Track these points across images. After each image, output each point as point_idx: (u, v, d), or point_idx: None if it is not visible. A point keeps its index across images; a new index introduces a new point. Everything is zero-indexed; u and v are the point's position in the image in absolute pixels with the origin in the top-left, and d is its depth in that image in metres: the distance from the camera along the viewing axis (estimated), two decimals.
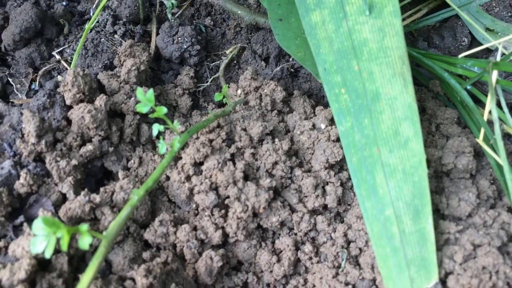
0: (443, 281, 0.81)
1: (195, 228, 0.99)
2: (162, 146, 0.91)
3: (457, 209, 0.88)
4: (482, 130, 0.90)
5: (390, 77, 0.90)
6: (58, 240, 0.71)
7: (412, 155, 0.85)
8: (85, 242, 0.70)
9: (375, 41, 0.92)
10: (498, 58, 0.89)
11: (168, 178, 1.07)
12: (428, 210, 0.82)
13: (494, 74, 0.83)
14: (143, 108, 0.91)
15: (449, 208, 0.89)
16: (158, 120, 1.11)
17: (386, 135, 0.88)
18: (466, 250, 0.81)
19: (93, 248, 0.91)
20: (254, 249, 1.01)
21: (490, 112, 0.94)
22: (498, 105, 0.94)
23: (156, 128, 0.94)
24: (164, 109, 0.90)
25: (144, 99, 0.90)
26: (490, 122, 0.98)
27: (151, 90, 0.90)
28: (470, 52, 0.98)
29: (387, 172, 0.87)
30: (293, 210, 1.04)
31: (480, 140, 0.90)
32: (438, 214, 0.90)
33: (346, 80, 0.94)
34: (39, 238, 0.70)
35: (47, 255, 0.68)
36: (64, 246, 0.68)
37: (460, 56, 0.97)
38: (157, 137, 1.11)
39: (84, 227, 0.70)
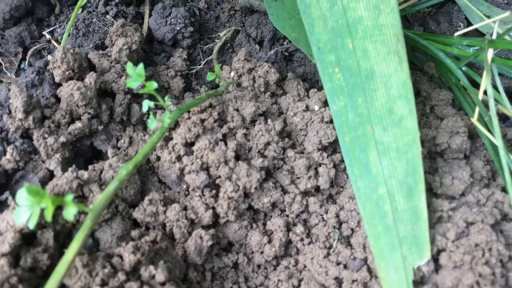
0: (435, 258, 0.80)
1: (185, 208, 0.98)
2: (152, 122, 0.89)
3: (450, 187, 0.87)
4: (477, 109, 0.89)
5: (385, 54, 0.88)
6: (42, 212, 0.69)
7: (406, 133, 0.84)
8: (70, 212, 0.68)
9: (370, 18, 0.91)
10: (494, 36, 0.88)
11: (158, 158, 1.05)
12: (421, 187, 0.81)
13: (490, 52, 0.82)
14: (133, 83, 0.89)
15: (442, 187, 0.88)
16: (149, 97, 1.09)
17: (380, 113, 0.87)
18: (459, 228, 0.80)
19: (80, 226, 0.89)
20: (245, 230, 1.00)
21: (485, 92, 0.93)
22: (494, 87, 0.93)
23: (147, 104, 0.92)
24: (154, 84, 0.88)
25: (134, 74, 0.88)
26: (485, 104, 0.97)
27: (141, 65, 0.88)
28: (466, 31, 0.96)
29: (381, 151, 0.85)
30: (285, 192, 1.02)
31: (474, 120, 0.89)
32: (431, 194, 0.89)
33: (340, 59, 0.93)
34: (23, 209, 0.68)
35: (31, 225, 0.66)
36: (49, 217, 0.67)
37: (456, 34, 0.95)
38: (148, 113, 1.09)
39: (69, 197, 0.69)
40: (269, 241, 0.98)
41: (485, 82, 0.81)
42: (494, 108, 0.78)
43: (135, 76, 0.89)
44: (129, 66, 0.88)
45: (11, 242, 0.75)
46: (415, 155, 0.82)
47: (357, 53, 0.91)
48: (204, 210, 0.97)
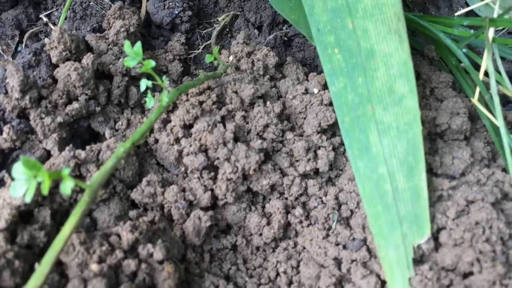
0: (435, 237, 0.80)
1: (183, 190, 0.97)
2: (150, 100, 0.88)
3: (450, 167, 0.87)
4: (477, 89, 0.88)
5: (385, 34, 0.88)
6: (39, 189, 0.68)
7: (406, 112, 0.84)
8: (67, 186, 0.67)
9: None
10: (495, 15, 0.88)
11: (156, 141, 1.04)
12: (422, 166, 0.80)
13: (491, 31, 0.81)
14: (130, 62, 0.88)
15: (443, 166, 0.87)
16: (149, 78, 1.08)
17: (381, 92, 0.86)
18: (459, 206, 0.79)
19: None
20: (243, 212, 0.99)
21: (485, 74, 0.93)
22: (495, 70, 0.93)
23: (144, 83, 0.91)
24: (152, 62, 0.87)
25: (132, 52, 0.88)
26: (485, 86, 0.96)
27: (138, 43, 0.87)
28: (465, 11, 0.96)
29: (381, 130, 0.85)
30: (284, 174, 1.02)
31: (475, 100, 0.89)
32: (431, 174, 0.89)
33: (339, 40, 0.92)
34: (19, 182, 0.67)
35: (28, 199, 0.66)
36: (45, 190, 0.66)
37: (457, 14, 0.95)
38: (145, 93, 1.08)
39: (66, 171, 0.68)
40: (268, 223, 0.98)
41: (486, 61, 0.81)
42: (495, 86, 0.77)
43: (132, 54, 0.88)
44: (127, 44, 0.87)
45: (7, 218, 0.74)
46: (416, 134, 0.82)
47: (357, 32, 0.90)
48: (203, 192, 0.96)
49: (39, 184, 0.67)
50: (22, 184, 0.67)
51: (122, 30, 1.11)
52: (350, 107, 0.88)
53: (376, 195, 0.83)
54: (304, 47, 1.30)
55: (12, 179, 0.86)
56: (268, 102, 1.06)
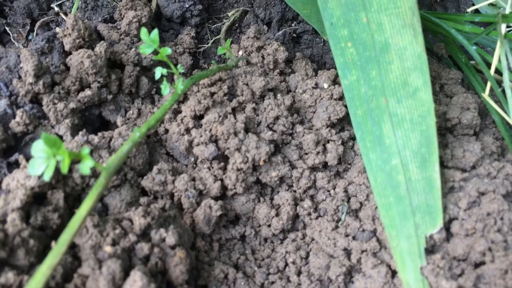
0: (446, 227, 0.81)
1: (193, 179, 0.97)
2: (165, 88, 0.89)
3: (461, 160, 0.88)
4: (488, 84, 0.90)
5: (400, 27, 0.89)
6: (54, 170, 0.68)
7: (420, 105, 0.85)
8: (86, 165, 0.67)
9: None
10: (507, 11, 0.89)
11: (166, 131, 1.05)
12: (435, 157, 0.81)
13: (503, 27, 0.83)
14: (146, 50, 0.88)
15: (453, 159, 0.88)
16: (160, 65, 1.09)
17: (395, 85, 0.87)
18: (471, 197, 0.80)
19: (90, 189, 0.88)
20: (252, 203, 0.99)
21: (496, 70, 0.94)
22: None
23: (159, 71, 0.91)
24: (168, 50, 0.88)
25: (148, 39, 0.88)
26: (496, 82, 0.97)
27: (155, 31, 0.88)
28: (476, 7, 0.98)
29: (395, 122, 0.86)
30: (293, 167, 1.02)
31: (486, 95, 0.90)
32: (442, 166, 0.89)
33: (353, 33, 0.93)
34: (39, 160, 0.67)
35: (46, 177, 0.66)
36: (65, 169, 0.66)
37: (469, 10, 0.97)
38: (159, 81, 1.09)
39: (86, 150, 0.68)
40: (277, 215, 0.98)
41: (498, 56, 0.82)
42: (508, 80, 0.79)
43: (148, 42, 0.88)
44: (143, 31, 0.88)
45: (22, 198, 0.74)
46: (430, 126, 0.83)
47: (371, 26, 0.91)
48: (213, 181, 0.96)
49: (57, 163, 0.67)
50: (42, 162, 0.67)
51: (134, 21, 1.12)
52: (363, 100, 0.89)
53: (388, 186, 0.84)
54: (312, 44, 1.31)
55: (28, 159, 0.86)
56: (278, 95, 1.06)
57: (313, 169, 1.03)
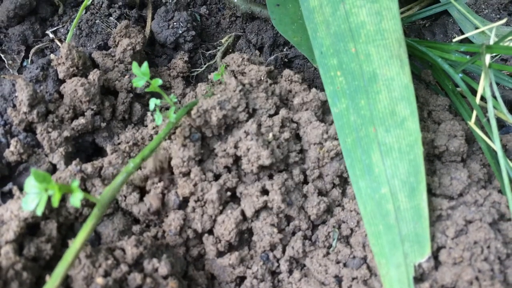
0: (435, 255, 0.82)
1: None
2: (158, 118, 0.90)
3: (449, 187, 0.89)
4: (474, 113, 0.92)
5: (387, 58, 0.91)
6: (49, 200, 0.70)
7: (408, 134, 0.86)
8: (76, 198, 0.68)
9: (373, 24, 0.93)
10: (491, 43, 0.92)
11: None
12: (423, 187, 0.83)
13: (487, 57, 0.85)
14: (139, 82, 0.90)
15: (441, 187, 0.90)
16: (154, 95, 1.10)
17: (383, 115, 0.89)
18: (458, 226, 0.82)
19: (83, 219, 0.89)
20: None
21: (481, 98, 0.96)
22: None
23: (153, 102, 0.93)
24: (159, 81, 0.89)
25: (140, 73, 0.90)
26: (481, 110, 1.00)
27: (145, 63, 0.89)
28: (461, 38, 1.00)
29: (383, 151, 0.87)
30: None
31: (472, 123, 0.92)
32: (430, 194, 0.91)
33: (342, 63, 0.95)
34: (31, 196, 0.68)
35: (39, 212, 0.67)
36: (56, 203, 0.67)
37: (454, 40, 0.99)
38: (153, 111, 1.10)
39: (75, 183, 0.69)
40: None
41: (482, 86, 0.84)
42: (492, 109, 0.81)
43: (140, 75, 0.90)
44: (135, 65, 0.89)
45: (15, 230, 0.75)
46: (417, 155, 0.85)
47: (360, 57, 0.93)
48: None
49: (49, 197, 0.68)
50: (34, 197, 0.68)
51: (129, 49, 1.13)
52: (353, 128, 0.91)
53: (377, 214, 0.85)
54: (303, 68, 1.33)
55: (21, 188, 0.87)
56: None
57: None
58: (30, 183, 0.68)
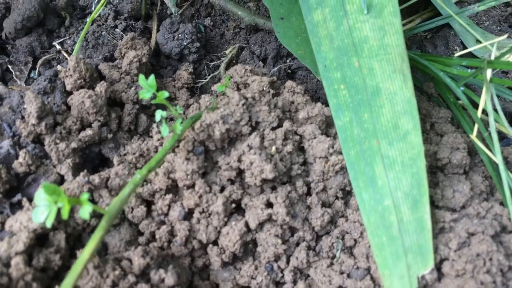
0: (437, 267, 0.83)
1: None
2: (164, 129, 0.92)
3: (451, 200, 0.91)
4: (476, 126, 0.93)
5: (390, 73, 0.92)
6: (58, 211, 0.71)
7: (411, 147, 0.88)
8: (85, 211, 0.70)
9: (376, 39, 0.95)
10: (493, 57, 0.93)
11: None
12: (426, 199, 0.84)
13: (489, 72, 0.87)
14: (145, 95, 0.92)
15: (444, 199, 0.91)
16: (159, 107, 1.12)
17: (386, 128, 0.90)
18: (461, 238, 0.83)
19: (90, 229, 0.90)
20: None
21: (483, 112, 0.98)
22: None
23: (159, 114, 0.94)
24: (165, 93, 0.91)
25: (146, 85, 0.91)
26: (483, 123, 1.01)
27: (152, 76, 0.91)
28: (463, 53, 1.02)
29: (387, 164, 0.89)
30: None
31: (473, 136, 0.93)
32: (433, 206, 0.92)
33: (346, 76, 0.97)
34: (41, 208, 0.69)
35: (48, 224, 0.68)
36: (65, 215, 0.68)
37: (456, 55, 1.01)
38: (160, 122, 1.12)
39: (85, 195, 0.70)
40: None
41: (484, 100, 0.86)
42: (493, 123, 0.82)
43: (147, 87, 0.92)
44: (141, 78, 0.91)
45: (25, 241, 0.76)
46: (420, 168, 0.86)
47: (363, 71, 0.95)
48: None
49: (58, 209, 0.70)
50: (44, 210, 0.69)
51: (135, 60, 1.15)
52: (356, 141, 0.92)
53: (381, 226, 0.86)
54: (307, 79, 1.35)
55: (30, 199, 0.88)
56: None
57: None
58: (40, 195, 0.70)
